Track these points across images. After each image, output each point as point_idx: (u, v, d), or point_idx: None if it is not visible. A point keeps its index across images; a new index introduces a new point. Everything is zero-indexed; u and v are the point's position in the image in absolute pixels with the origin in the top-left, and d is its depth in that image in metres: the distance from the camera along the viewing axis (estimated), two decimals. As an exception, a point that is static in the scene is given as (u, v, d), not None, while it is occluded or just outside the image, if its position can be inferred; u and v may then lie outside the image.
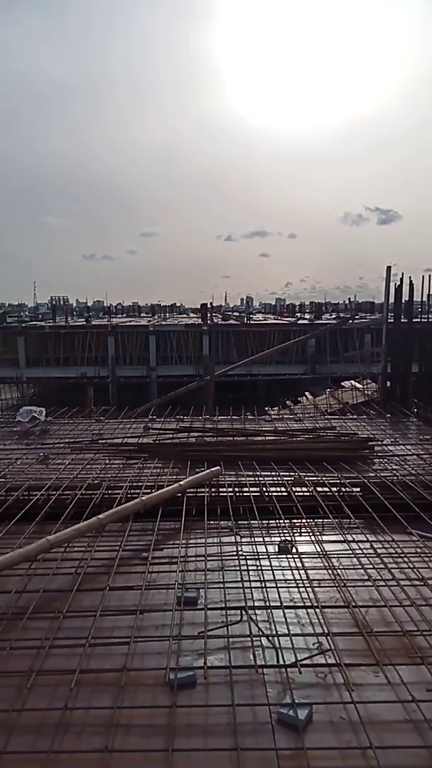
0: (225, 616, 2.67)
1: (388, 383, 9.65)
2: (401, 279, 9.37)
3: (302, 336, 23.11)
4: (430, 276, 9.63)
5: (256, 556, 3.33)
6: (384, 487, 4.35)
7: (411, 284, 9.28)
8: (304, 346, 27.31)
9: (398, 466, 5.22)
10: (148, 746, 1.96)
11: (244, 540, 3.63)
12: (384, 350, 9.84)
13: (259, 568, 3.19)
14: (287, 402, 13.41)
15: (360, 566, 3.19)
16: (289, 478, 4.72)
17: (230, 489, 4.41)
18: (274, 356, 24.62)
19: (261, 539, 3.62)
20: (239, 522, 3.90)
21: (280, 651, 2.41)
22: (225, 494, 4.32)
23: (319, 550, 3.43)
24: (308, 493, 4.35)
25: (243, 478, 4.74)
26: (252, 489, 4.43)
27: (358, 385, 12.42)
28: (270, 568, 3.17)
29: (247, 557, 3.32)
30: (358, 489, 4.40)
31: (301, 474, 4.84)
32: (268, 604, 2.80)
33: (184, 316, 53.89)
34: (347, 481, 4.57)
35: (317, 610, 2.71)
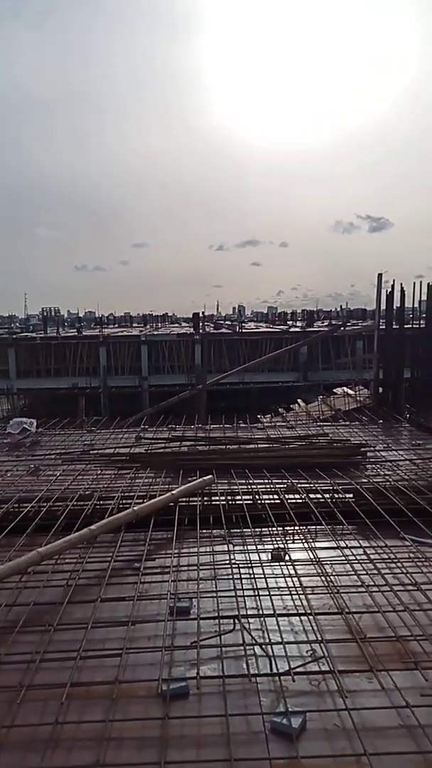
0: (218, 625, 2.65)
1: (380, 389, 9.67)
2: (392, 286, 9.43)
3: (294, 344, 23.19)
4: (421, 282, 9.68)
5: (249, 565, 3.32)
6: (377, 492, 4.36)
7: (402, 291, 9.33)
8: (296, 354, 27.38)
9: (391, 472, 5.22)
10: (141, 759, 1.93)
11: (236, 548, 3.61)
12: (376, 357, 9.88)
13: (252, 576, 3.17)
14: (279, 409, 13.42)
15: (353, 572, 3.18)
16: (282, 486, 4.71)
17: (223, 497, 4.40)
18: (266, 364, 24.67)
19: (254, 547, 3.60)
20: (232, 530, 3.88)
21: (273, 659, 2.39)
22: (217, 503, 4.30)
23: (312, 557, 3.42)
24: (301, 500, 4.34)
25: (235, 487, 4.73)
26: (244, 497, 4.42)
27: (351, 392, 12.45)
28: (263, 576, 3.16)
29: (240, 566, 3.30)
30: (351, 495, 4.39)
31: (293, 481, 4.83)
32: (261, 612, 2.78)
33: (176, 325, 53.93)
34: (340, 487, 4.57)
35: (310, 618, 2.70)
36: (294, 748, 1.92)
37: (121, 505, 4.29)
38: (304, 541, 3.72)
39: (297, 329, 35.60)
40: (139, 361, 28.95)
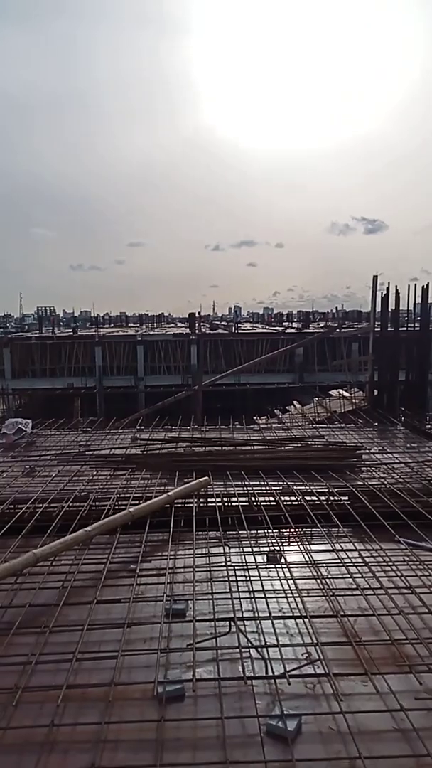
0: (213, 627, 2.66)
1: (376, 392, 9.72)
2: (387, 288, 9.47)
3: (290, 345, 23.22)
4: (415, 285, 9.74)
5: (245, 567, 3.32)
6: (372, 495, 4.37)
7: (397, 293, 9.38)
8: (292, 356, 27.41)
9: (386, 475, 5.24)
10: (137, 761, 1.93)
11: (232, 550, 3.61)
12: (371, 359, 9.92)
13: (248, 578, 3.18)
14: (275, 411, 13.45)
15: (348, 575, 3.20)
16: (278, 488, 4.72)
17: (219, 499, 4.41)
18: (262, 365, 24.70)
19: (249, 549, 3.61)
20: (228, 532, 3.88)
21: (268, 662, 2.40)
22: (213, 504, 4.31)
23: (307, 559, 3.43)
24: (297, 503, 4.35)
25: (231, 488, 4.73)
26: (240, 499, 4.42)
27: (346, 394, 12.48)
28: (259, 578, 3.16)
29: (236, 568, 3.31)
30: (346, 497, 4.41)
31: (289, 483, 4.84)
32: (256, 614, 2.79)
33: (172, 325, 53.94)
34: (335, 489, 4.58)
35: (306, 620, 2.71)
36: (289, 751, 1.93)
37: (116, 507, 4.29)
38: (299, 543, 3.73)
39: (293, 330, 35.66)
40: (135, 361, 28.93)
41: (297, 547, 3.68)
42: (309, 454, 5.95)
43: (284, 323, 50.28)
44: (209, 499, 4.47)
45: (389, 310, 9.46)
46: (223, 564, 3.35)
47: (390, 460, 5.82)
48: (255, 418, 10.53)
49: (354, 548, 3.55)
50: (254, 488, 4.71)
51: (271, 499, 4.45)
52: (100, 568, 3.34)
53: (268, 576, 3.24)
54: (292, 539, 3.83)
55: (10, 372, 28.22)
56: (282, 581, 3.17)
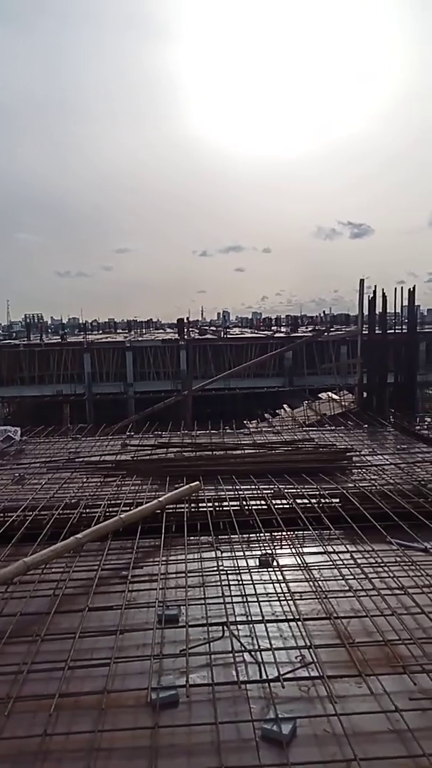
0: (207, 632, 2.64)
1: (365, 394, 9.76)
2: (374, 291, 9.54)
3: (279, 349, 23.26)
4: (402, 288, 9.81)
5: (237, 571, 3.31)
6: (363, 497, 4.38)
7: (384, 296, 9.44)
8: (281, 359, 27.48)
9: (376, 476, 5.26)
10: (131, 769, 1.92)
11: (224, 555, 3.61)
12: (360, 362, 9.97)
13: (241, 582, 3.17)
14: (265, 415, 13.46)
15: (341, 577, 3.20)
16: (269, 491, 4.71)
17: (210, 504, 4.40)
18: (251, 370, 24.74)
19: (242, 553, 3.60)
20: (219, 537, 3.87)
21: (262, 666, 2.39)
22: (205, 509, 4.30)
23: (299, 562, 3.43)
24: (288, 506, 4.35)
25: (222, 493, 4.72)
26: (232, 503, 4.42)
27: (335, 397, 12.53)
28: (251, 582, 3.16)
29: (228, 572, 3.30)
30: (337, 500, 4.42)
31: (280, 486, 4.84)
32: (249, 618, 2.78)
33: (161, 331, 53.87)
34: (326, 492, 4.59)
35: (299, 623, 2.70)
36: (284, 755, 1.92)
37: (107, 513, 4.26)
38: (291, 546, 3.73)
39: (282, 335, 35.78)
40: (124, 367, 28.85)
41: (289, 550, 3.68)
42: (299, 457, 5.96)
43: (273, 327, 50.45)
44: (200, 504, 4.46)
45: (376, 313, 9.53)
46: (216, 569, 3.34)
47: (380, 462, 5.84)
48: (245, 422, 10.52)
49: (346, 550, 3.56)
50: (245, 492, 4.71)
51: (263, 502, 4.45)
52: (91, 575, 3.32)
53: (261, 580, 3.23)
54: (283, 542, 3.83)
55: (-2, 380, 28.03)
56: (274, 584, 3.17)
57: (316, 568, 3.35)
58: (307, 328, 44.91)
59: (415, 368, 9.93)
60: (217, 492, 4.77)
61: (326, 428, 8.25)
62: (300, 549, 3.66)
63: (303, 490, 4.69)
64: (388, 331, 9.68)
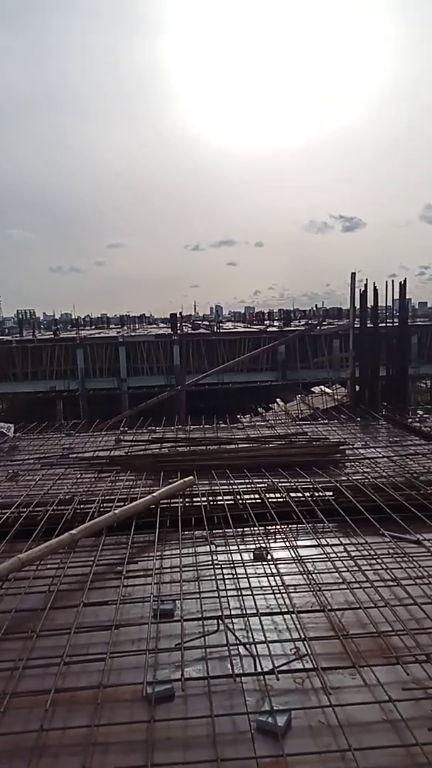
0: (202, 626, 2.66)
1: (357, 387, 9.80)
2: (366, 285, 9.55)
3: (272, 343, 23.31)
4: (393, 281, 9.82)
5: (232, 565, 3.33)
6: (356, 490, 4.41)
7: (375, 290, 9.46)
8: (274, 353, 27.50)
9: (369, 469, 5.29)
10: (127, 763, 1.93)
11: (219, 549, 3.62)
12: (352, 355, 10.00)
13: (235, 576, 3.18)
14: (259, 409, 13.49)
15: (334, 570, 3.22)
16: (263, 485, 4.73)
17: (204, 498, 4.41)
18: (244, 364, 24.74)
19: (236, 547, 3.62)
20: (214, 531, 3.89)
21: (257, 658, 2.41)
22: (199, 504, 4.31)
23: (293, 555, 3.45)
24: (282, 499, 4.37)
25: (216, 487, 4.74)
26: (226, 497, 4.43)
27: (328, 390, 12.57)
28: (246, 576, 3.17)
29: (223, 566, 3.31)
30: (331, 493, 4.44)
31: (274, 480, 4.86)
32: (244, 612, 2.80)
33: (154, 326, 53.75)
34: (320, 485, 4.61)
35: (293, 616, 2.72)
36: (280, 747, 1.94)
37: (102, 509, 4.27)
38: (285, 539, 3.75)
39: (274, 329, 35.78)
40: (118, 362, 28.78)
41: (283, 544, 3.69)
42: (293, 450, 5.98)
43: (265, 322, 50.42)
44: (194, 499, 4.47)
45: (368, 306, 9.55)
46: (210, 563, 3.36)
47: (373, 455, 5.87)
48: (239, 416, 10.55)
49: (339, 543, 3.58)
50: (239, 486, 4.73)
51: (257, 496, 4.46)
52: (86, 570, 3.33)
53: (255, 573, 3.25)
54: (278, 536, 3.85)
55: (-10, 376, 27.91)
56: (269, 578, 3.19)
57: (310, 561, 3.37)
58: (299, 322, 44.96)
59: (407, 361, 9.96)
60: (211, 486, 4.79)
61: (319, 422, 8.28)
62: (294, 542, 3.68)
63: (296, 484, 4.71)
64: (380, 325, 9.71)
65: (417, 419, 8.13)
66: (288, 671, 2.35)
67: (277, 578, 3.14)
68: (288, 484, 4.74)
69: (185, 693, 2.23)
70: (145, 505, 4.15)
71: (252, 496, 4.49)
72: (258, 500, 4.38)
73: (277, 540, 3.79)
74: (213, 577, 3.15)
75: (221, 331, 36.07)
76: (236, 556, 3.46)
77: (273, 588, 3.06)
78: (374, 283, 9.53)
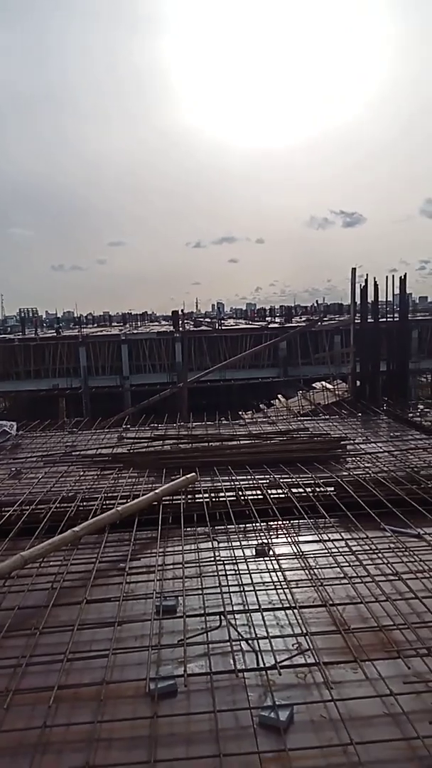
0: (204, 622, 2.67)
1: (358, 383, 9.79)
2: (366, 280, 9.54)
3: (273, 339, 23.29)
4: (393, 276, 9.82)
5: (234, 561, 3.34)
6: (357, 485, 4.41)
7: (376, 285, 9.45)
8: (276, 350, 27.48)
9: (370, 464, 5.30)
10: (131, 759, 1.94)
11: (221, 545, 3.63)
12: (353, 350, 9.99)
13: (237, 572, 3.19)
14: (260, 405, 13.49)
15: (336, 565, 3.23)
16: (264, 481, 4.74)
17: (206, 495, 4.42)
18: (246, 361, 24.73)
19: (238, 543, 3.63)
20: (216, 527, 3.90)
21: (259, 654, 2.42)
22: (201, 500, 4.32)
23: (295, 551, 3.46)
24: (283, 495, 4.37)
25: (219, 484, 4.74)
26: (228, 494, 4.44)
27: (329, 386, 12.56)
28: (248, 571, 3.18)
29: (225, 562, 3.32)
30: (332, 488, 4.45)
31: (275, 476, 4.87)
32: (246, 607, 2.81)
33: (156, 323, 53.70)
34: (321, 481, 4.62)
35: (295, 611, 2.73)
36: (282, 741, 1.95)
37: (104, 506, 4.28)
38: (287, 535, 3.76)
39: (276, 325, 35.75)
40: (120, 360, 28.79)
41: (285, 539, 3.70)
42: (294, 446, 5.99)
43: (267, 318, 50.36)
44: (197, 496, 4.48)
45: (368, 301, 9.54)
46: (212, 559, 3.37)
47: (374, 450, 5.88)
48: (240, 413, 10.55)
49: (341, 538, 3.59)
50: (241, 483, 4.73)
51: (258, 492, 4.47)
52: (89, 567, 3.34)
53: (257, 569, 3.26)
54: (279, 532, 3.86)
55: (-7, 375, 27.95)
56: (271, 573, 3.20)
57: (312, 556, 3.38)
58: (301, 318, 44.89)
59: (408, 356, 9.95)
60: (214, 483, 4.79)
61: (320, 417, 8.28)
62: (296, 538, 3.69)
63: (298, 480, 4.72)
64: (381, 320, 9.70)
65: (417, 414, 8.13)
66: (290, 666, 2.36)
67: (279, 574, 3.15)
68: (289, 479, 4.75)
69: (188, 689, 2.24)
70: (148, 502, 4.17)
71: (254, 492, 4.50)
72: (260, 496, 4.39)
73: (279, 536, 3.80)
74: (215, 573, 3.15)
75: (223, 327, 36.05)
76: (238, 552, 3.47)
77: (275, 583, 3.07)
78: (374, 279, 9.53)
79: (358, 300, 9.67)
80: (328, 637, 2.55)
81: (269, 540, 3.66)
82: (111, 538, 3.79)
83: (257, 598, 2.87)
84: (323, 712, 2.10)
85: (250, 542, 3.66)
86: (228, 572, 3.19)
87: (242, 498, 4.35)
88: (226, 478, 4.93)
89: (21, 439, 7.45)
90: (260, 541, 3.61)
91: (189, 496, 4.47)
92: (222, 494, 4.44)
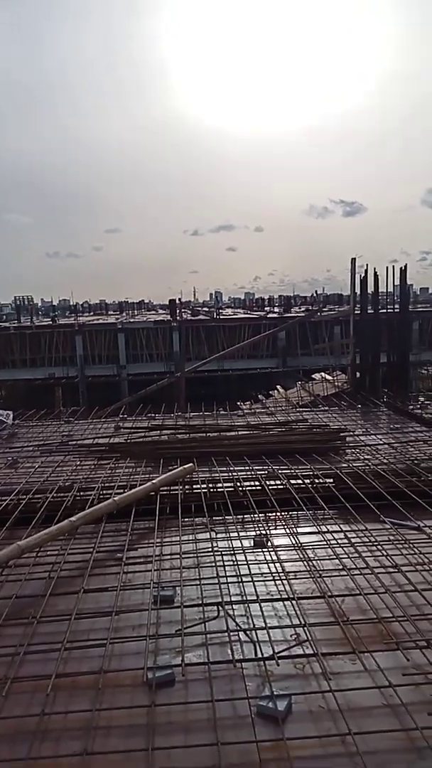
0: (202, 612, 2.66)
1: (358, 374, 9.78)
2: (366, 271, 9.49)
3: (272, 329, 23.26)
4: (393, 267, 9.77)
5: (232, 551, 3.33)
6: (356, 477, 4.41)
7: (376, 275, 9.40)
8: (275, 340, 27.46)
9: (370, 456, 5.29)
10: (128, 746, 1.94)
11: (219, 536, 3.62)
12: (352, 341, 9.97)
13: (235, 563, 3.19)
14: (259, 396, 13.48)
15: (335, 556, 3.23)
16: (263, 472, 4.73)
17: (204, 485, 4.41)
18: (244, 351, 24.72)
19: (236, 534, 3.62)
20: (214, 518, 3.90)
21: (257, 644, 2.42)
22: (199, 491, 4.31)
23: (294, 542, 3.46)
24: (282, 486, 4.37)
25: (216, 474, 4.74)
26: (226, 484, 4.43)
27: (329, 377, 12.56)
28: (246, 562, 3.18)
29: (223, 553, 3.32)
30: (331, 480, 4.44)
31: (274, 467, 4.86)
32: (244, 598, 2.81)
33: (153, 312, 53.51)
34: (320, 472, 4.61)
35: (294, 602, 2.73)
36: (280, 731, 1.95)
37: (101, 496, 4.26)
38: (285, 526, 3.75)
39: (275, 315, 35.69)
40: (117, 349, 28.74)
41: (283, 531, 3.70)
42: (293, 438, 5.98)
43: (266, 308, 50.26)
44: (194, 486, 4.47)
45: (368, 292, 9.50)
46: (210, 549, 3.36)
47: (374, 442, 5.87)
48: (239, 403, 10.54)
49: (340, 529, 3.58)
50: (239, 473, 4.72)
51: (257, 483, 4.46)
52: (86, 557, 3.33)
53: (255, 560, 3.26)
54: (278, 523, 3.86)
55: (-11, 363, 27.88)
56: (269, 564, 3.19)
57: (311, 547, 3.37)
58: (300, 308, 44.80)
59: (408, 348, 9.93)
60: (211, 473, 4.78)
61: (320, 409, 8.28)
62: (294, 529, 3.69)
63: (297, 471, 4.71)
64: (381, 311, 9.66)
65: (418, 406, 8.12)
66: (288, 657, 2.36)
67: (278, 565, 3.14)
68: (288, 471, 4.74)
69: (186, 678, 2.24)
70: (145, 492, 4.16)
71: (252, 483, 4.49)
72: (258, 487, 4.38)
73: (278, 527, 3.80)
74: (213, 564, 3.15)
75: (221, 317, 35.96)
76: (236, 543, 3.46)
77: (273, 574, 3.07)
78: (375, 269, 9.48)
79: (358, 290, 9.63)
80: (326, 628, 2.55)
81: (267, 531, 3.66)
82: (108, 528, 3.78)
83: (255, 589, 2.87)
84: (321, 703, 2.10)
85: (248, 533, 3.66)
86: (226, 563, 3.18)
87: (240, 489, 4.34)
88: (224, 468, 4.92)
89: (17, 428, 7.42)
90: (258, 532, 3.61)
91: (187, 487, 4.46)
92: (220, 485, 4.43)
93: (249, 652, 2.41)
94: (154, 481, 4.29)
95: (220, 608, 2.66)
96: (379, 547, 3.30)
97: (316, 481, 4.44)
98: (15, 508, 4.08)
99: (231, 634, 2.47)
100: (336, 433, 6.08)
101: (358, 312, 9.66)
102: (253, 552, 3.38)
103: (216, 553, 3.29)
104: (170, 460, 5.15)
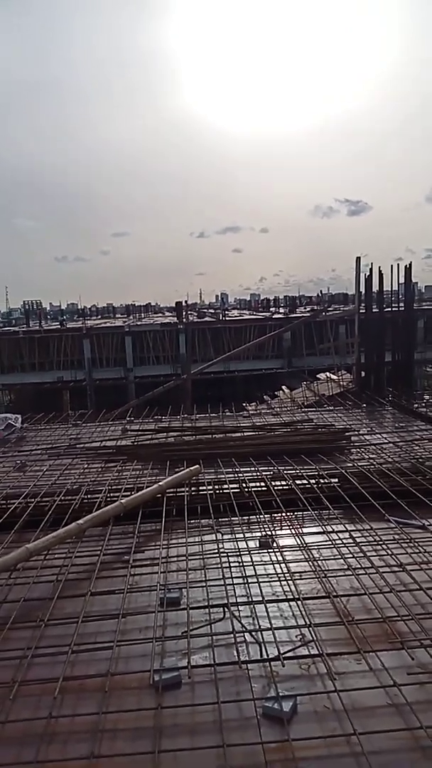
0: (208, 614, 2.67)
1: (363, 373, 9.75)
2: (371, 269, 9.47)
3: (277, 330, 23.22)
4: (398, 265, 9.74)
5: (238, 553, 3.34)
6: (361, 476, 4.41)
7: (380, 274, 9.38)
8: (280, 341, 27.42)
9: (375, 455, 5.29)
10: (135, 749, 1.96)
11: (225, 537, 3.64)
12: (357, 341, 9.95)
13: (241, 564, 3.20)
14: (264, 397, 13.47)
15: (340, 556, 3.23)
16: (268, 473, 4.74)
17: (210, 487, 4.43)
18: (250, 352, 24.71)
19: (242, 535, 3.63)
20: (220, 519, 3.91)
21: (263, 645, 2.43)
22: (205, 492, 4.32)
23: (299, 542, 3.46)
24: (287, 487, 4.38)
25: (222, 476, 4.75)
26: (231, 486, 4.45)
27: (334, 377, 12.53)
28: (251, 563, 3.19)
29: (229, 554, 3.33)
30: (336, 480, 4.44)
31: (279, 468, 4.87)
32: (250, 599, 2.82)
33: (160, 315, 53.54)
34: (325, 472, 4.61)
35: (299, 603, 2.74)
36: (285, 732, 1.96)
37: (108, 499, 4.29)
38: (291, 527, 3.76)
39: (280, 315, 35.61)
40: (124, 352, 28.80)
41: (289, 531, 3.71)
42: (298, 438, 5.98)
43: (271, 309, 50.16)
44: (200, 488, 4.49)
45: (373, 291, 9.48)
46: (216, 551, 3.38)
47: (379, 441, 5.87)
48: (244, 404, 10.54)
49: (345, 529, 3.59)
50: (245, 474, 4.74)
51: (262, 484, 4.47)
52: (93, 560, 3.36)
53: (261, 561, 3.27)
54: (283, 523, 3.86)
55: (-2, 367, 28.03)
56: (274, 565, 3.20)
57: (316, 547, 3.38)
58: (305, 308, 44.69)
59: (413, 346, 9.90)
60: (217, 475, 4.80)
61: (325, 409, 8.27)
62: (299, 529, 3.69)
63: (302, 471, 4.72)
64: (386, 309, 9.64)
65: (423, 404, 8.10)
66: (294, 657, 2.37)
67: (283, 565, 3.15)
68: (293, 471, 4.75)
69: (192, 680, 2.25)
70: (152, 495, 4.18)
71: (258, 483, 4.51)
72: (264, 488, 4.39)
73: (283, 527, 3.81)
74: (219, 565, 3.16)
75: (227, 318, 35.95)
76: (242, 544, 3.47)
77: (279, 575, 3.08)
78: (379, 268, 9.45)
79: (362, 289, 9.61)
80: (331, 628, 2.56)
81: (273, 532, 3.66)
82: (115, 530, 3.80)
83: (261, 590, 2.88)
84: (327, 703, 2.11)
85: (254, 534, 3.67)
86: (232, 564, 3.19)
87: (246, 490, 4.35)
88: (230, 470, 4.93)
89: (26, 431, 7.47)
90: (264, 533, 3.62)
91: (193, 489, 4.48)
92: (226, 486, 4.44)
93: (255, 653, 2.42)
94: (160, 483, 4.31)
95: (226, 610, 2.67)
96: (384, 546, 3.31)
97: (321, 481, 4.44)
98: (23, 511, 4.12)
99: (237, 635, 2.48)
100: (341, 433, 6.07)
101: (363, 311, 9.64)
102: (259, 553, 3.39)
103: (222, 555, 3.30)
104: (176, 462, 5.17)
